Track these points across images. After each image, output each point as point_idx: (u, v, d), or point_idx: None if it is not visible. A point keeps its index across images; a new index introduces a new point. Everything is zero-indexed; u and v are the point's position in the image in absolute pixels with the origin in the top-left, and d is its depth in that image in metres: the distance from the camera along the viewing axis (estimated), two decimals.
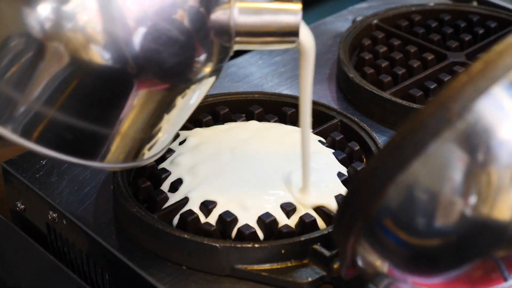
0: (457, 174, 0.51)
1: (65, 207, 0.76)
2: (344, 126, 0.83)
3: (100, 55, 0.58)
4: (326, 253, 0.68)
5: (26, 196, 0.80)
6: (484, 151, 0.50)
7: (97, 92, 0.59)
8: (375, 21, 0.99)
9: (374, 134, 0.81)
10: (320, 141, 0.81)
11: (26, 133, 0.60)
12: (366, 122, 0.85)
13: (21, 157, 0.81)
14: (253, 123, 0.83)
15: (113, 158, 0.63)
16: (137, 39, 0.58)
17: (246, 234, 0.70)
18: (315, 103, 0.85)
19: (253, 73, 0.95)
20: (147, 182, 0.75)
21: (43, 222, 0.79)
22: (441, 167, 0.51)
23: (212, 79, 0.66)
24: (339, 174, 0.76)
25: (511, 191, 0.52)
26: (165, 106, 0.64)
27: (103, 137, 0.62)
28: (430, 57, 0.93)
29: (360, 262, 0.59)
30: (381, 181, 0.51)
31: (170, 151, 0.79)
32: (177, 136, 0.81)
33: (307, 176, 0.72)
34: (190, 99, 0.66)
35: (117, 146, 0.63)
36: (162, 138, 0.67)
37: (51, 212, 0.77)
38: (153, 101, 0.63)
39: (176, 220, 0.73)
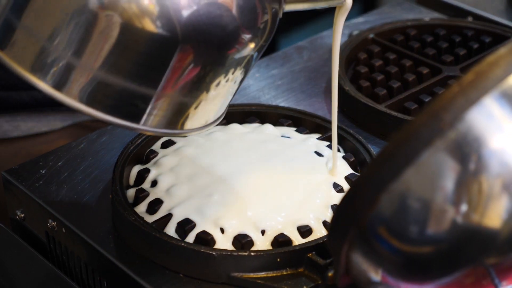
0: (448, 182, 0.52)
1: (64, 216, 0.77)
2: (339, 137, 0.84)
3: (152, 24, 0.61)
4: (321, 261, 0.69)
5: (26, 205, 0.81)
6: (475, 160, 0.52)
7: (147, 57, 0.62)
8: (371, 36, 1.00)
9: (369, 146, 0.82)
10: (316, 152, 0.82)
11: (85, 99, 0.62)
12: (362, 134, 0.86)
13: (21, 166, 0.82)
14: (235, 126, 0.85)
15: (156, 123, 0.65)
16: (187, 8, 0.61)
17: (243, 242, 0.71)
18: (311, 115, 0.87)
19: (250, 86, 0.96)
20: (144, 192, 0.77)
21: (42, 231, 0.80)
22: (433, 176, 0.52)
23: (256, 55, 0.67)
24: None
25: (502, 200, 0.53)
26: (212, 75, 0.65)
27: (148, 99, 0.64)
28: (425, 71, 0.94)
29: (354, 270, 0.60)
30: (374, 190, 0.52)
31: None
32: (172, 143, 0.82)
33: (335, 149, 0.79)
34: (236, 74, 0.67)
35: (161, 110, 0.65)
36: (205, 109, 0.68)
37: (50, 221, 0.78)
38: (202, 69, 0.64)
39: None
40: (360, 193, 0.54)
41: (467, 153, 0.51)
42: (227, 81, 0.67)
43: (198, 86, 0.65)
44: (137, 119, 0.64)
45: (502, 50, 0.51)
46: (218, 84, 0.66)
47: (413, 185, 0.52)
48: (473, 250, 0.55)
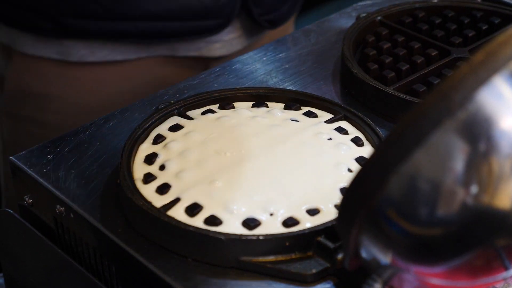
0: (458, 163, 0.52)
1: (72, 201, 0.77)
2: (348, 120, 0.84)
3: None
4: (330, 245, 0.69)
5: (34, 190, 0.81)
6: (485, 141, 0.51)
7: None
8: (378, 18, 1.00)
9: (378, 129, 0.81)
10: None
11: None
12: (370, 116, 0.85)
13: (29, 152, 0.82)
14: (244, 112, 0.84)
15: None
16: None
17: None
18: (319, 99, 0.86)
19: (258, 70, 0.95)
20: None
21: (50, 216, 0.80)
22: (442, 157, 0.51)
23: None
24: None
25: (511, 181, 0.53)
26: None
27: None
28: (433, 53, 0.93)
29: (363, 253, 0.60)
30: (384, 171, 0.52)
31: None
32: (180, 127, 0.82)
33: None
34: None
35: None
36: None
37: (58, 206, 0.78)
38: None
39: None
40: (369, 175, 0.53)
41: (477, 134, 0.51)
42: None
43: None
44: None
45: (511, 30, 0.51)
46: None
47: (422, 166, 0.52)
48: (483, 232, 0.55)
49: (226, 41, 1.11)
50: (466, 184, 0.52)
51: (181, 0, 1.03)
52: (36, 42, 1.04)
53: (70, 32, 1.02)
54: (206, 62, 1.11)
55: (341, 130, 0.83)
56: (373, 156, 0.53)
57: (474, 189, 0.52)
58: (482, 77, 0.50)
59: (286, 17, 1.15)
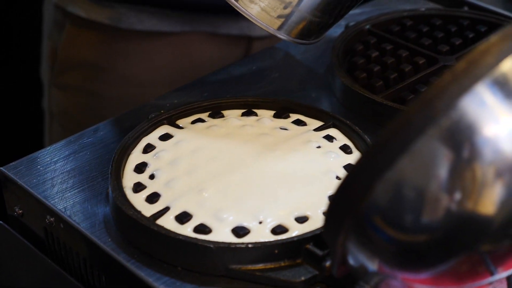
0: (442, 170, 0.52)
1: (62, 211, 0.77)
2: (337, 128, 0.85)
3: None
4: (319, 252, 0.69)
5: (24, 201, 0.81)
6: (468, 148, 0.52)
7: None
8: (367, 27, 1.00)
9: (366, 136, 0.82)
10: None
11: None
12: (359, 124, 0.86)
13: (19, 162, 0.82)
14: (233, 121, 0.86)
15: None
16: None
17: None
18: (308, 107, 0.87)
19: (247, 78, 0.96)
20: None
21: (41, 227, 0.80)
22: (427, 164, 0.52)
23: None
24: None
25: (495, 187, 0.53)
26: None
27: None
28: (421, 61, 0.94)
29: (350, 260, 0.60)
30: (369, 179, 0.53)
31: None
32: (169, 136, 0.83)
33: None
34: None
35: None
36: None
37: (48, 216, 0.78)
38: None
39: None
40: (355, 183, 0.54)
41: (461, 141, 0.52)
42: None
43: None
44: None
45: (493, 38, 0.51)
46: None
47: (407, 174, 0.52)
48: (468, 238, 0.55)
49: None
50: (450, 190, 0.53)
51: None
52: (91, 6, 1.09)
53: None
54: (248, 41, 1.14)
55: (330, 138, 0.83)
56: (358, 164, 0.54)
57: (458, 195, 0.53)
58: (465, 85, 0.51)
59: None
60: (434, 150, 0.51)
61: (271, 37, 1.11)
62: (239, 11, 0.83)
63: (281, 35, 0.85)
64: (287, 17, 0.84)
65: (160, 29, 1.09)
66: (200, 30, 1.11)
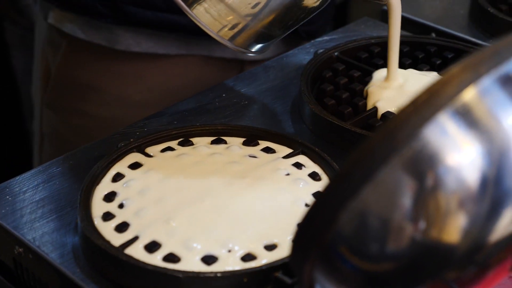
0: (406, 200, 0.53)
1: (30, 241, 0.77)
2: (306, 155, 0.85)
3: None
4: (288, 280, 0.69)
5: None
6: (430, 177, 0.52)
7: None
8: (336, 54, 1.01)
9: (335, 164, 0.83)
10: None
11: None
12: (328, 151, 0.86)
13: None
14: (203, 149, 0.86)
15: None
16: None
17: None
18: (277, 135, 0.88)
19: (217, 106, 0.96)
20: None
21: (9, 257, 0.80)
22: (390, 194, 0.53)
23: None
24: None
25: (459, 215, 0.54)
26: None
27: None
28: None
29: None
30: (333, 209, 0.53)
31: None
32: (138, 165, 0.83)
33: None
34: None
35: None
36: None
37: (17, 247, 0.78)
38: None
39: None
40: (319, 213, 0.54)
41: (423, 170, 0.52)
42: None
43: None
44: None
45: (454, 69, 0.52)
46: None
47: (371, 203, 0.53)
48: (433, 266, 0.56)
49: None
50: (414, 219, 0.53)
51: None
52: (89, 27, 1.11)
53: (127, 20, 1.09)
54: (240, 65, 1.16)
55: (298, 166, 0.84)
56: (323, 193, 0.54)
57: (422, 224, 0.53)
58: (426, 115, 0.51)
59: (321, 31, 1.21)
60: (397, 180, 0.52)
61: (262, 61, 1.13)
62: (187, 14, 0.86)
63: (226, 43, 0.88)
64: (235, 26, 0.86)
65: (156, 51, 1.11)
66: (195, 53, 1.13)
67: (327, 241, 0.55)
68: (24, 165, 1.32)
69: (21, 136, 1.67)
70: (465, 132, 0.53)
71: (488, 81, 0.53)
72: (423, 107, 0.52)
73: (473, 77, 0.53)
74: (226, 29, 0.87)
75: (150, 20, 1.08)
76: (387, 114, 0.91)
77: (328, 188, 0.54)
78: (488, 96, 0.53)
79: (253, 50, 0.91)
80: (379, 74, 0.96)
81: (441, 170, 0.53)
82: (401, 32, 1.08)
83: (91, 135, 1.09)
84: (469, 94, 0.53)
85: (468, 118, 0.53)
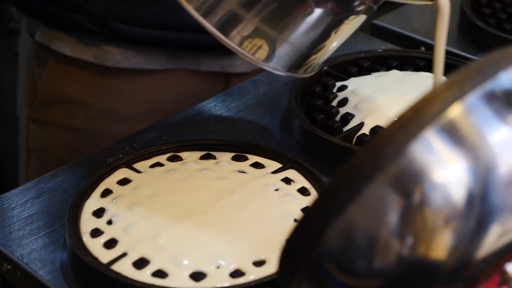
0: (392, 216, 0.53)
1: (19, 258, 0.76)
2: (295, 170, 0.85)
3: None
4: None
5: None
6: (416, 194, 0.52)
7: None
8: (325, 68, 1.01)
9: (324, 179, 0.83)
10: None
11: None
12: (317, 166, 0.86)
13: None
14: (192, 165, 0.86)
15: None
16: None
17: None
18: (266, 150, 0.88)
19: (207, 121, 0.97)
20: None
21: None
22: (376, 211, 0.53)
23: (363, 17, 0.83)
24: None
25: (445, 232, 0.54)
26: (327, 25, 0.81)
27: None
28: None
29: None
30: (319, 226, 0.53)
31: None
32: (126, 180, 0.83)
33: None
34: (345, 31, 0.84)
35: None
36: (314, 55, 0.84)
37: (5, 264, 0.77)
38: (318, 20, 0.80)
39: None
40: (306, 230, 0.54)
41: (409, 187, 0.52)
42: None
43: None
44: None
45: (439, 87, 0.52)
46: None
47: (357, 221, 0.53)
48: (420, 282, 0.56)
49: None
50: (400, 236, 0.53)
51: None
52: (77, 44, 1.11)
53: (116, 37, 1.09)
54: (227, 78, 1.16)
55: (287, 181, 0.84)
56: (309, 211, 0.54)
57: (408, 241, 0.53)
58: (411, 132, 0.51)
59: None
60: (383, 197, 0.52)
61: (248, 74, 1.14)
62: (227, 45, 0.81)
63: (270, 68, 0.83)
64: (275, 48, 0.83)
65: (145, 67, 1.12)
66: (183, 67, 1.13)
67: (314, 258, 0.55)
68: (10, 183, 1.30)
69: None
70: (451, 148, 0.53)
71: (473, 98, 0.53)
72: (408, 124, 0.52)
73: (458, 94, 0.53)
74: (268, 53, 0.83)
75: (139, 37, 1.09)
76: (376, 129, 0.91)
77: (314, 206, 0.54)
78: (474, 113, 0.54)
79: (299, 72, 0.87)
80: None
81: (427, 187, 0.53)
82: (389, 46, 1.09)
83: (79, 149, 1.09)
84: (455, 111, 0.53)
85: (454, 135, 0.53)
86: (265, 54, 0.81)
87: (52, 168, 0.88)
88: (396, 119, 0.52)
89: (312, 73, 0.88)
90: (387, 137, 0.52)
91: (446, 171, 0.53)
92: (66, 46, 1.11)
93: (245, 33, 0.79)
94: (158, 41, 1.09)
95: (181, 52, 1.12)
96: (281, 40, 0.81)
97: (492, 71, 0.54)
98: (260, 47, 0.81)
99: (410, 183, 0.52)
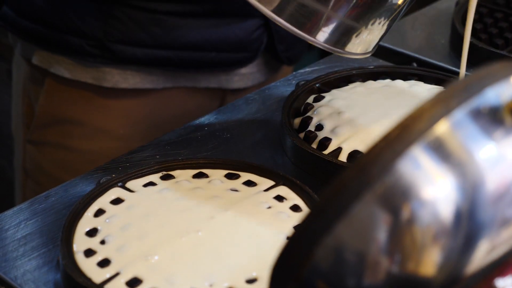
0: (380, 234, 0.53)
1: (12, 280, 0.76)
2: (288, 187, 0.85)
3: None
4: None
5: None
6: (404, 211, 0.53)
7: None
8: (317, 85, 1.02)
9: (316, 196, 0.83)
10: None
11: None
12: (310, 183, 0.86)
13: None
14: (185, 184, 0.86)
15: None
16: None
17: None
18: (259, 168, 0.88)
19: (200, 139, 0.97)
20: None
21: None
22: (364, 228, 0.53)
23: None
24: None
25: (434, 248, 0.54)
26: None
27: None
28: None
29: None
30: (308, 244, 0.53)
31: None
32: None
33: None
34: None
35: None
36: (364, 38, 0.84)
37: None
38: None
39: None
40: (294, 248, 0.54)
41: (396, 205, 0.52)
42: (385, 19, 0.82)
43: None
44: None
45: (425, 104, 0.53)
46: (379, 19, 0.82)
47: (345, 239, 0.53)
48: None
49: (244, 75, 1.18)
50: (389, 254, 0.53)
51: (219, 32, 1.11)
52: (75, 67, 1.11)
53: (115, 58, 1.10)
54: (223, 94, 1.18)
55: (280, 198, 0.84)
56: (298, 228, 0.54)
57: (397, 258, 0.54)
58: (398, 150, 0.52)
59: (299, 55, 1.23)
60: (371, 215, 0.52)
61: (243, 90, 1.14)
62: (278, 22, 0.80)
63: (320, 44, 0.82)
64: (322, 23, 0.81)
65: (143, 86, 1.12)
66: (181, 85, 1.14)
67: (303, 276, 0.55)
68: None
69: None
70: (438, 165, 0.53)
71: (459, 115, 0.54)
72: (395, 142, 0.52)
73: (445, 111, 0.53)
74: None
75: (138, 57, 1.09)
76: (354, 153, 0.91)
77: (302, 224, 0.54)
78: (460, 130, 0.54)
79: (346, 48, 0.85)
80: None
81: (415, 204, 0.53)
82: (381, 62, 1.10)
83: (75, 168, 1.09)
84: (441, 128, 0.53)
85: (441, 151, 0.53)
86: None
87: (49, 188, 0.88)
88: (382, 137, 0.52)
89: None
90: (374, 155, 0.52)
91: (433, 188, 0.53)
92: (65, 69, 1.12)
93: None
94: (157, 60, 1.10)
95: (179, 70, 1.12)
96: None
97: (478, 88, 0.54)
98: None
99: (398, 201, 0.52)
